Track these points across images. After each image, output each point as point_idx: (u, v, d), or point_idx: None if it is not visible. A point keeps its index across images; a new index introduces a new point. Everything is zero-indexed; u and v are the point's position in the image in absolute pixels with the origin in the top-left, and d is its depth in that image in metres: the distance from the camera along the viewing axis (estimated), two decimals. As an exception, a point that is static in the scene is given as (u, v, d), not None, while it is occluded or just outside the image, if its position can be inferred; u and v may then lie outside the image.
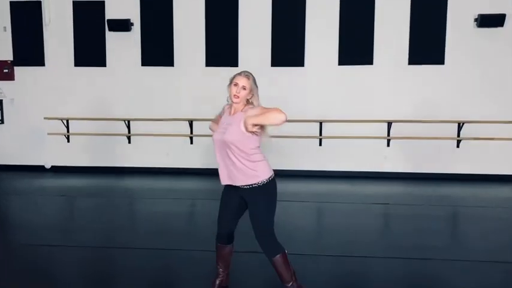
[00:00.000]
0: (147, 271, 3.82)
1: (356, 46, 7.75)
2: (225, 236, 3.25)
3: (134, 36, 8.07)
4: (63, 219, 5.66)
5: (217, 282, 3.32)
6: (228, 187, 3.17)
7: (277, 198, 3.14)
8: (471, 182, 7.58)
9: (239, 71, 3.14)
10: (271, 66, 7.89)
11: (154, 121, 8.16)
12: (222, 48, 7.96)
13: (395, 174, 7.93)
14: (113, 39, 8.11)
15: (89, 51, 8.16)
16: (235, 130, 2.96)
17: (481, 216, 5.67)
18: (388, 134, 7.89)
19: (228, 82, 3.12)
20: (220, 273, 3.33)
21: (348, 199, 6.46)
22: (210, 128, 3.35)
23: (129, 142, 8.34)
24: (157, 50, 8.07)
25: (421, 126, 7.76)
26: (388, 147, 7.96)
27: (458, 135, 7.75)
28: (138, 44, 8.09)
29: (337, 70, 7.83)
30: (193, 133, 8.17)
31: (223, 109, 3.24)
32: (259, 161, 3.03)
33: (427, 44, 7.62)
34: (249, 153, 2.99)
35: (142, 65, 8.13)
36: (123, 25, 7.92)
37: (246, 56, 7.93)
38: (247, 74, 3.05)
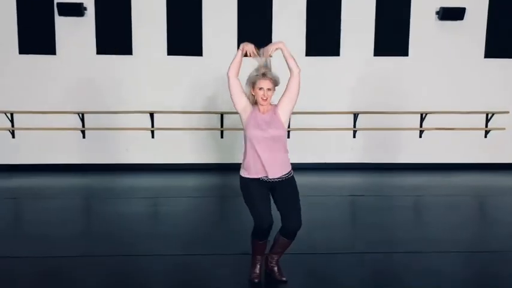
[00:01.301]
0: (111, 281, 3.46)
1: (323, 37, 7.66)
2: (268, 231, 3.22)
3: (88, 21, 7.42)
4: (16, 226, 5.04)
5: (258, 272, 3.37)
6: (256, 183, 3.18)
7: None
8: (433, 171, 7.79)
9: (258, 72, 3.12)
10: (238, 56, 7.58)
11: (111, 114, 7.59)
12: (185, 36, 7.54)
13: (361, 165, 7.98)
14: (63, 25, 7.41)
15: (36, 38, 7.40)
16: (280, 125, 3.15)
17: (463, 205, 5.78)
18: (354, 126, 7.91)
19: (250, 83, 3.16)
20: (259, 263, 3.39)
21: (321, 192, 6.36)
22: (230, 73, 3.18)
23: (84, 137, 7.70)
24: (114, 37, 7.49)
25: (386, 117, 7.85)
26: (354, 139, 7.98)
27: (421, 125, 7.93)
28: (92, 31, 7.45)
29: (304, 61, 7.68)
30: (155, 126, 7.70)
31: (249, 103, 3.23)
32: (288, 152, 3.28)
33: (392, 36, 7.70)
34: (285, 146, 3.25)
35: (98, 53, 7.51)
36: (75, 9, 7.24)
37: (210, 45, 7.58)
38: (268, 75, 3.13)
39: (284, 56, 3.16)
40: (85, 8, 7.33)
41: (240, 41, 7.57)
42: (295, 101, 3.21)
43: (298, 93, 3.19)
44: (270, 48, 3.14)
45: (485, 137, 8.05)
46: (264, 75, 3.10)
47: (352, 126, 7.90)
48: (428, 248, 4.07)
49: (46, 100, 7.52)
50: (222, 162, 7.82)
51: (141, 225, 4.82)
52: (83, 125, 7.62)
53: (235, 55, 3.17)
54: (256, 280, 3.35)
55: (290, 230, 3.23)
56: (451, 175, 7.56)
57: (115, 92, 7.60)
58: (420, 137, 8.01)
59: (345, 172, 7.76)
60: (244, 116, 3.19)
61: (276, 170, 3.15)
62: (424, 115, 7.88)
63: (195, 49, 7.55)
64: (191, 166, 7.77)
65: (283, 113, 3.17)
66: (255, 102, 3.19)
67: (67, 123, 7.59)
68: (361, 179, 7.40)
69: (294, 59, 3.16)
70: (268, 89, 3.10)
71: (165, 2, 7.46)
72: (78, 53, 7.49)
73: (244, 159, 3.21)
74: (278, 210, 3.24)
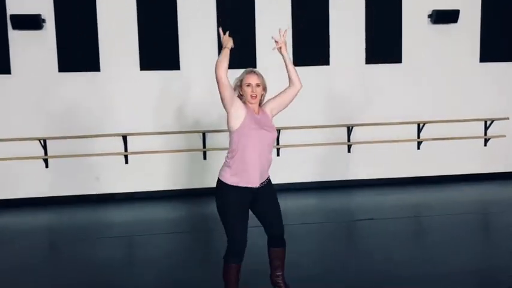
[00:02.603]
0: None
1: (311, 46, 7.05)
2: (242, 253, 2.93)
3: (47, 35, 6.53)
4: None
5: None
6: (239, 193, 2.89)
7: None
8: (434, 185, 7.26)
9: (247, 70, 3.05)
10: (219, 68, 6.87)
11: (77, 139, 6.69)
12: (159, 48, 6.76)
13: (358, 181, 7.36)
14: (18, 40, 6.49)
15: (-13, 55, 6.46)
16: (273, 126, 3.05)
17: (475, 226, 5.23)
18: (349, 140, 7.29)
19: (237, 83, 3.01)
20: None
21: (320, 216, 5.67)
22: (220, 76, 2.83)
23: (47, 166, 6.74)
24: (79, 52, 6.62)
25: (381, 129, 7.28)
26: (349, 153, 7.36)
27: (419, 136, 7.40)
28: (53, 46, 6.57)
29: (291, 71, 7.05)
30: (129, 150, 6.84)
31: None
32: None
33: (383, 42, 7.18)
34: None
35: (60, 70, 6.63)
36: (31, 22, 6.36)
37: (189, 58, 6.84)
38: (256, 71, 3.02)
39: (287, 65, 3.08)
40: (43, 20, 6.46)
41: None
42: (282, 110, 3.17)
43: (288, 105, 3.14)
44: (283, 44, 3.11)
45: (485, 145, 7.60)
46: (251, 71, 3.00)
47: (346, 140, 7.28)
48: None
49: (1, 126, 6.55)
50: (206, 187, 6.99)
51: (115, 275, 3.97)
52: (46, 153, 6.68)
53: (222, 53, 2.87)
54: None
55: (277, 237, 3.08)
56: (453, 188, 7.05)
57: (81, 113, 6.71)
58: (418, 148, 7.47)
59: (341, 190, 7.11)
60: (240, 116, 2.88)
61: (265, 176, 3.02)
62: (421, 125, 7.35)
63: (172, 62, 6.79)
64: (172, 193, 6.94)
65: (271, 115, 3.09)
66: (243, 103, 2.99)
67: (26, 152, 6.62)
68: (361, 198, 6.77)
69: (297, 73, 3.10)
70: (257, 85, 2.95)
71: (136, 11, 6.68)
72: (37, 71, 6.58)
73: (231, 164, 2.91)
74: (261, 218, 3.06)
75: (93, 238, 5.09)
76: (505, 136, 7.49)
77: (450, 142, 7.41)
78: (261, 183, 2.97)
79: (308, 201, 6.39)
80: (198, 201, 6.68)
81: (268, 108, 3.08)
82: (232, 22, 6.83)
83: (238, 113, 2.87)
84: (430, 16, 7.18)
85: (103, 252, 4.59)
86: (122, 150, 6.83)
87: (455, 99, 7.39)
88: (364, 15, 7.13)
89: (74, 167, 6.77)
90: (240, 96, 2.98)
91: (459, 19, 7.13)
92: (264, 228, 3.08)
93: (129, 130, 6.80)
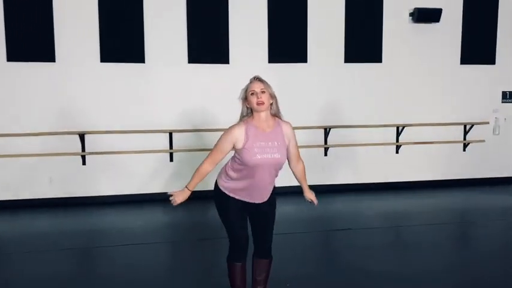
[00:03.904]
0: None
1: (288, 42, 6.61)
2: (245, 248, 2.90)
3: (-6, 20, 5.87)
4: None
5: None
6: (238, 205, 2.86)
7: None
8: (412, 191, 6.98)
9: (251, 79, 2.84)
10: (189, 62, 6.35)
11: (28, 136, 6.03)
12: (122, 38, 6.16)
13: (334, 186, 6.98)
14: (-40, 24, 5.79)
15: None
16: (284, 149, 2.85)
17: (462, 238, 4.92)
18: (326, 142, 6.91)
19: (242, 96, 2.82)
20: None
21: (296, 226, 5.24)
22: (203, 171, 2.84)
23: (-8, 166, 6.05)
24: (31, 39, 5.95)
25: (359, 131, 6.94)
26: (326, 157, 6.98)
27: (398, 140, 7.10)
28: (0, 32, 5.87)
29: (266, 68, 6.58)
30: (86, 150, 6.22)
31: (235, 129, 2.78)
32: None
33: (363, 41, 6.83)
34: None
35: (9, 60, 5.94)
36: (-24, 4, 5.67)
37: (154, 50, 6.27)
38: (260, 78, 2.84)
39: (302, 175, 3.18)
40: (-10, 4, 5.78)
41: (191, 46, 6.35)
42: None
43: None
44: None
45: (464, 150, 7.37)
46: (255, 78, 2.82)
47: (323, 143, 6.89)
48: None
49: None
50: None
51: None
52: (-9, 152, 5.99)
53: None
54: None
55: (265, 248, 2.97)
56: (432, 195, 6.79)
57: (33, 108, 6.06)
58: (397, 152, 7.17)
59: (316, 196, 6.69)
60: (240, 141, 2.74)
61: (267, 194, 2.88)
62: (400, 128, 7.04)
63: (136, 54, 6.20)
64: (134, 198, 6.36)
65: (287, 140, 2.88)
66: (250, 113, 2.82)
67: (-32, 150, 5.93)
68: (338, 205, 6.38)
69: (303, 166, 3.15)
70: (262, 91, 2.75)
71: (97, 1, 6.06)
72: (-18, 60, 5.90)
73: (228, 179, 2.84)
74: (252, 228, 2.96)
75: (39, 251, 4.47)
76: (484, 141, 7.29)
77: (428, 146, 7.14)
78: (263, 201, 2.88)
79: (281, 208, 5.96)
80: (164, 207, 6.13)
81: (288, 132, 2.88)
82: (204, 18, 6.33)
83: (239, 140, 2.75)
84: (411, 14, 6.87)
85: (51, 268, 4.00)
86: (79, 149, 6.20)
87: (435, 101, 7.13)
88: (344, 12, 6.75)
89: (24, 167, 6.09)
90: (246, 108, 2.82)
91: (441, 19, 6.85)
92: (254, 238, 2.97)
93: (87, 128, 6.18)
